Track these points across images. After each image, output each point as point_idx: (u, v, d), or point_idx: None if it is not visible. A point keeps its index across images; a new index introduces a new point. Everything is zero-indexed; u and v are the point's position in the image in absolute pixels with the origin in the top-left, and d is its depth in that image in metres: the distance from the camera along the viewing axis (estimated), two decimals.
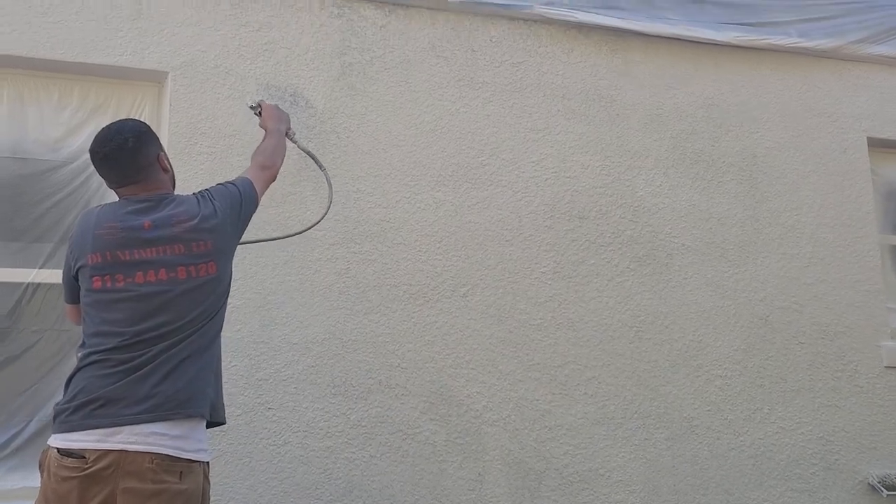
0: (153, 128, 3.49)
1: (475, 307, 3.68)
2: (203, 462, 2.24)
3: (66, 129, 3.45)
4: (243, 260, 3.41)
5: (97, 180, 3.45)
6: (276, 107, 2.96)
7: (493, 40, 3.91)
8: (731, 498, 3.87)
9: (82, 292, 2.32)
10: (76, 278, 2.35)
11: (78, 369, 2.24)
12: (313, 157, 3.05)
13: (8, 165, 3.37)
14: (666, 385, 3.88)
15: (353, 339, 3.50)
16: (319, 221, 3.07)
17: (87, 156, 3.38)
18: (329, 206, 3.04)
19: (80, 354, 2.27)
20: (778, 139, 4.23)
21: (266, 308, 3.41)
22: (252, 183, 2.58)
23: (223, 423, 2.43)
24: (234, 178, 2.62)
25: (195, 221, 2.33)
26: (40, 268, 3.32)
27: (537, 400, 3.70)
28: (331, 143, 3.61)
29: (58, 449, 2.15)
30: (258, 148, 2.79)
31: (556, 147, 3.92)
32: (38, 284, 3.31)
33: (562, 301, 3.81)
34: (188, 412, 2.18)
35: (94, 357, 2.21)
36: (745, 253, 4.10)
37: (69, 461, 2.12)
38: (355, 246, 3.57)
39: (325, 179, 3.05)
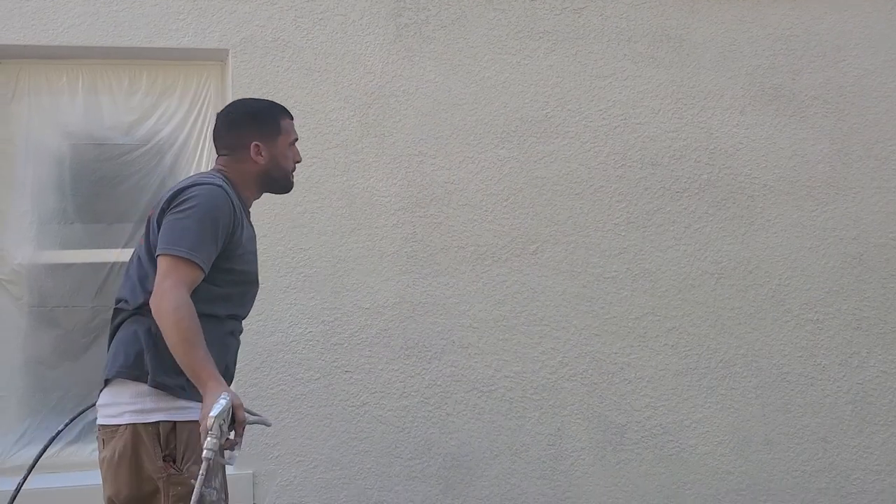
0: (218, 104, 3.61)
1: (546, 264, 3.64)
2: (132, 424, 2.09)
3: (138, 113, 3.58)
4: (311, 230, 3.49)
5: (170, 161, 3.59)
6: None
7: None
8: (829, 446, 3.72)
9: None
10: None
11: None
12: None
13: (87, 151, 3.54)
14: (752, 332, 3.74)
15: (424, 301, 3.53)
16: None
17: (160, 137, 3.57)
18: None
19: None
20: (867, 67, 3.95)
21: (337, 275, 3.48)
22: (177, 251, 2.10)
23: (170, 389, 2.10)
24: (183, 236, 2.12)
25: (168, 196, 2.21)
26: (123, 247, 3.47)
27: (615, 353, 3.64)
28: (391, 106, 3.61)
29: None
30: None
31: (624, 93, 3.79)
32: (122, 263, 3.45)
33: (637, 252, 3.71)
34: (106, 376, 2.17)
35: None
36: (834, 190, 3.87)
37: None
38: (421, 210, 3.57)
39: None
